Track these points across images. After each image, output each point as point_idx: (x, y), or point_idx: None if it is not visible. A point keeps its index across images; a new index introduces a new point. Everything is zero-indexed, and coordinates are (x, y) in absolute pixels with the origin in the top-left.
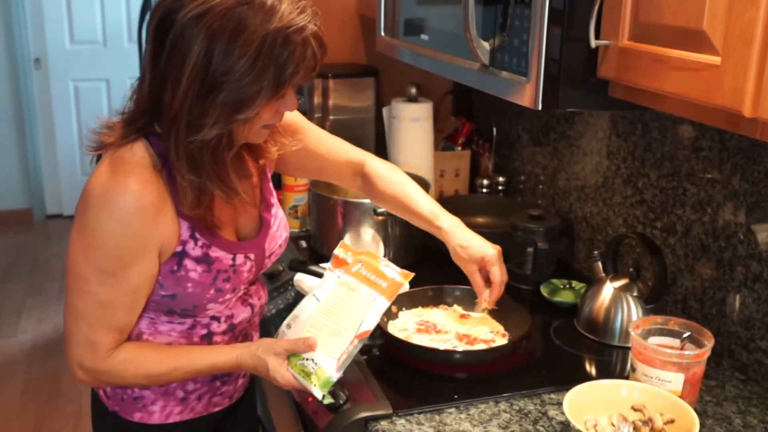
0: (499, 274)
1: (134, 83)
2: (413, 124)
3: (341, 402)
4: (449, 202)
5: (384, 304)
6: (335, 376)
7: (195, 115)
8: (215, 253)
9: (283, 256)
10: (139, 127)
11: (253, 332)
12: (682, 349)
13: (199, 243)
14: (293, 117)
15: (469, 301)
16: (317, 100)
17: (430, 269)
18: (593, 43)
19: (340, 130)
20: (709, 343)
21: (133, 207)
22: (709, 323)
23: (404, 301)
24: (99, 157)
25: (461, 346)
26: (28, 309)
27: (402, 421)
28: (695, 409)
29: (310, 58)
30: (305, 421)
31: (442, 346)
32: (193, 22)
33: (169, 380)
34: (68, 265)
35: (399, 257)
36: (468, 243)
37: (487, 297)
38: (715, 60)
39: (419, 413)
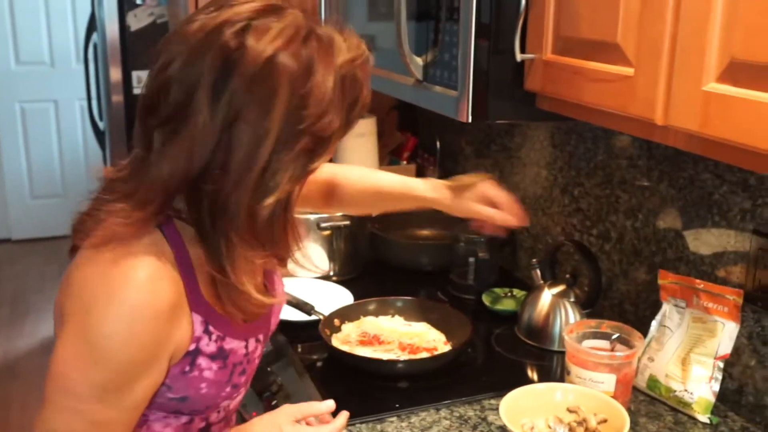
0: (503, 195)
1: (133, 153)
2: (358, 139)
3: None
4: (394, 215)
5: None
6: None
7: (269, 173)
8: (230, 344)
9: None
10: (155, 210)
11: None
12: (612, 350)
13: (213, 337)
14: None
15: (411, 311)
16: None
17: (376, 282)
18: (519, 56)
19: None
20: (639, 343)
21: (147, 309)
22: (644, 325)
23: (347, 314)
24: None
25: (404, 356)
26: None
27: None
28: (629, 408)
29: (368, 90)
30: None
31: (385, 357)
32: (269, 66)
33: None
34: (54, 378)
35: (345, 271)
36: (459, 194)
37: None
38: (629, 71)
39: (361, 423)
